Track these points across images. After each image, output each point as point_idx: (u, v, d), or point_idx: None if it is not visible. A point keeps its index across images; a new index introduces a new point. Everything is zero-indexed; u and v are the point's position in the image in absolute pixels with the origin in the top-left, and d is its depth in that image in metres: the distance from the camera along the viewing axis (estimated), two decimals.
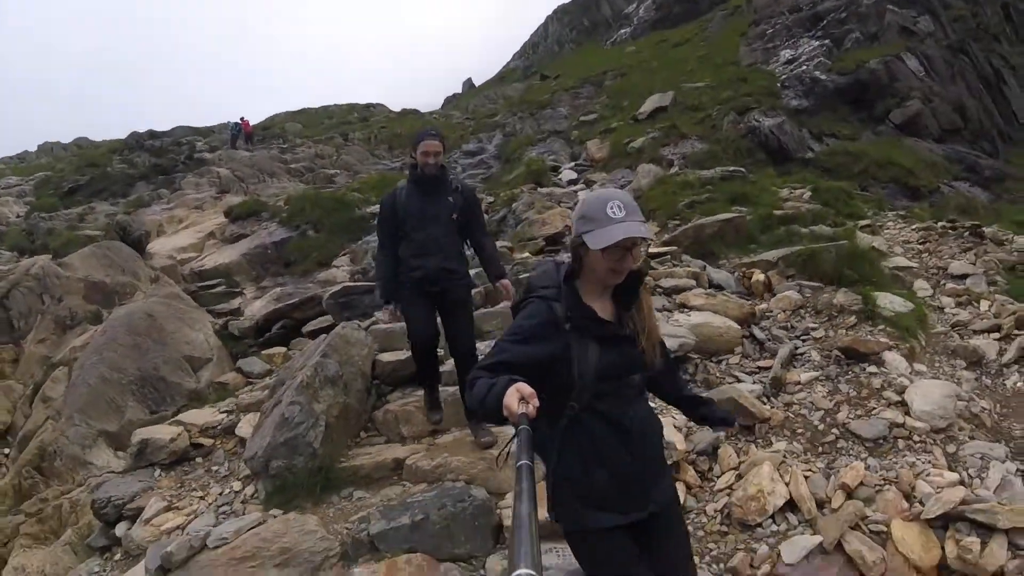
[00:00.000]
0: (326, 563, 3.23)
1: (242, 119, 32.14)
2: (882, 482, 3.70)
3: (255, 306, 10.90)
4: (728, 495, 3.76)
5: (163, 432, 5.08)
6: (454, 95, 57.94)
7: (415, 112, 43.62)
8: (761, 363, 5.35)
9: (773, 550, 3.37)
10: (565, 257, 2.99)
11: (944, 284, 7.71)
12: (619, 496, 2.11)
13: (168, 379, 8.01)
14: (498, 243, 10.79)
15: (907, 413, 4.30)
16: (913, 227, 10.29)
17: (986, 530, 3.27)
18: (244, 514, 3.76)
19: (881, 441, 4.11)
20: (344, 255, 12.83)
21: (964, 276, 7.74)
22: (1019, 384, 5.21)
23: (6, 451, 8.66)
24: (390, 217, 4.35)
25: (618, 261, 2.03)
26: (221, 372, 8.26)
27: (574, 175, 16.79)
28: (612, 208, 2.00)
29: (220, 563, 3.29)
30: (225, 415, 5.40)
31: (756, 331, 5.82)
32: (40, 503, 6.99)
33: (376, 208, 16.05)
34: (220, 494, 4.24)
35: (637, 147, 16.38)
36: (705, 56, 28.03)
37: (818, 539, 3.31)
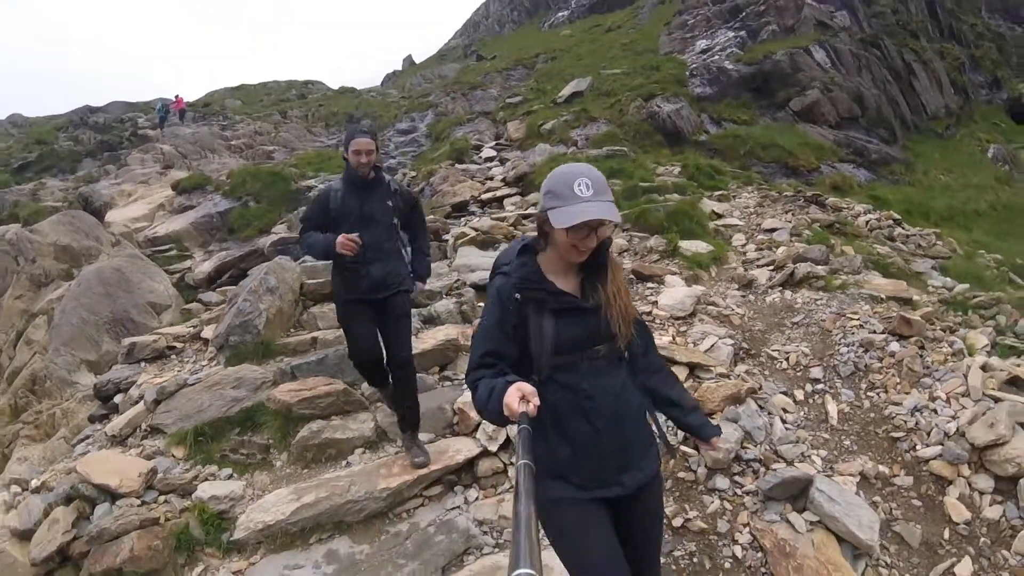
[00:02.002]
0: (263, 385, 5.38)
1: (176, 96, 33.51)
2: None
3: (204, 266, 12.89)
4: None
5: (146, 337, 7.18)
6: (394, 72, 59.40)
7: (352, 90, 45.27)
8: None
9: None
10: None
11: (756, 236, 9.84)
12: (582, 471, 2.15)
13: (136, 320, 10.00)
14: None
15: (656, 307, 6.64)
16: (758, 195, 12.73)
17: (672, 363, 5.22)
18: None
19: None
20: (282, 223, 14.70)
21: (773, 230, 9.86)
22: (776, 300, 6.94)
23: None
24: (318, 214, 4.24)
25: (582, 240, 2.05)
26: (179, 315, 10.31)
27: (493, 153, 18.75)
28: (579, 186, 1.99)
29: (197, 390, 5.45)
30: (192, 328, 7.51)
31: None
32: (35, 414, 8.92)
33: (311, 182, 17.71)
34: (192, 368, 6.39)
35: (549, 129, 18.70)
36: (629, 44, 30.51)
37: None
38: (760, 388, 5.08)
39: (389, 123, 28.53)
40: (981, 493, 4.04)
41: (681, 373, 5.19)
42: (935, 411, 4.61)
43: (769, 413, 4.81)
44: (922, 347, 5.35)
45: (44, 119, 41.25)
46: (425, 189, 15.29)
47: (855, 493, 4.06)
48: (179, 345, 7.18)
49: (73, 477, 4.76)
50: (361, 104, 34.05)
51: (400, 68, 61.38)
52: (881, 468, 4.33)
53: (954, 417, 4.48)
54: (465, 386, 4.57)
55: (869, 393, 5.04)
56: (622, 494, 2.18)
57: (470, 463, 4.49)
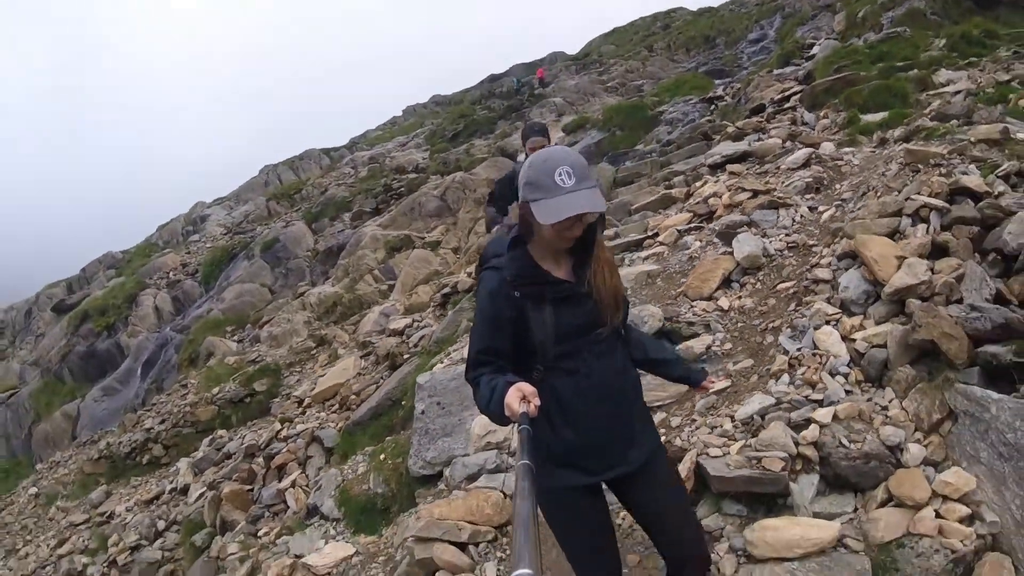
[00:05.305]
0: None
1: (538, 69, 41.93)
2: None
3: None
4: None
5: None
6: None
7: (709, 9, 47.15)
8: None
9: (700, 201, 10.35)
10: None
11: (947, 99, 10.44)
12: (587, 456, 2.32)
13: None
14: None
15: (784, 164, 10.40)
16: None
17: (742, 190, 8.25)
18: None
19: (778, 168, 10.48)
20: (639, 145, 19.48)
21: (957, 92, 10.01)
22: (888, 152, 7.77)
23: (458, 256, 18.97)
24: (508, 196, 5.89)
25: (567, 229, 2.13)
26: None
27: (818, 49, 19.16)
28: (561, 175, 2.05)
29: None
30: None
31: (788, 144, 12.38)
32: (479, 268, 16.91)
33: (665, 107, 22.57)
34: None
35: (861, 16, 20.97)
36: None
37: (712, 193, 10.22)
38: (797, 204, 7.02)
39: (741, 35, 31.15)
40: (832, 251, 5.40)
41: (746, 196, 7.59)
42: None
43: (787, 215, 6.85)
44: (917, 171, 5.96)
45: (458, 94, 52.09)
46: (741, 99, 17.74)
47: (765, 239, 6.29)
48: None
49: None
50: (715, 23, 37.17)
51: None
52: (809, 241, 6.10)
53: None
54: None
55: (860, 203, 6.12)
56: (629, 471, 2.37)
57: None
